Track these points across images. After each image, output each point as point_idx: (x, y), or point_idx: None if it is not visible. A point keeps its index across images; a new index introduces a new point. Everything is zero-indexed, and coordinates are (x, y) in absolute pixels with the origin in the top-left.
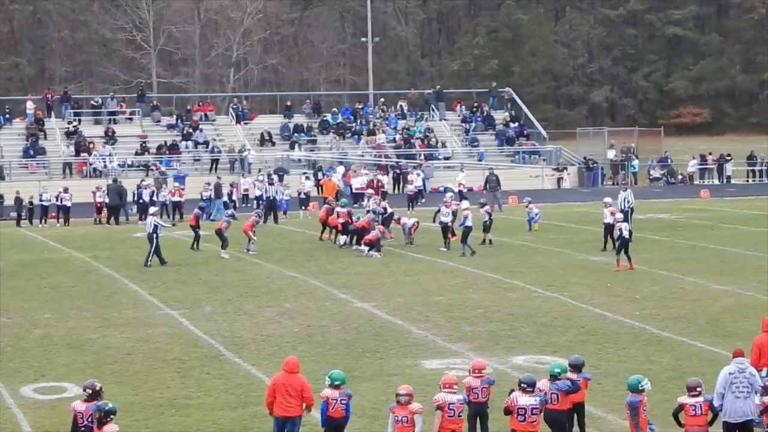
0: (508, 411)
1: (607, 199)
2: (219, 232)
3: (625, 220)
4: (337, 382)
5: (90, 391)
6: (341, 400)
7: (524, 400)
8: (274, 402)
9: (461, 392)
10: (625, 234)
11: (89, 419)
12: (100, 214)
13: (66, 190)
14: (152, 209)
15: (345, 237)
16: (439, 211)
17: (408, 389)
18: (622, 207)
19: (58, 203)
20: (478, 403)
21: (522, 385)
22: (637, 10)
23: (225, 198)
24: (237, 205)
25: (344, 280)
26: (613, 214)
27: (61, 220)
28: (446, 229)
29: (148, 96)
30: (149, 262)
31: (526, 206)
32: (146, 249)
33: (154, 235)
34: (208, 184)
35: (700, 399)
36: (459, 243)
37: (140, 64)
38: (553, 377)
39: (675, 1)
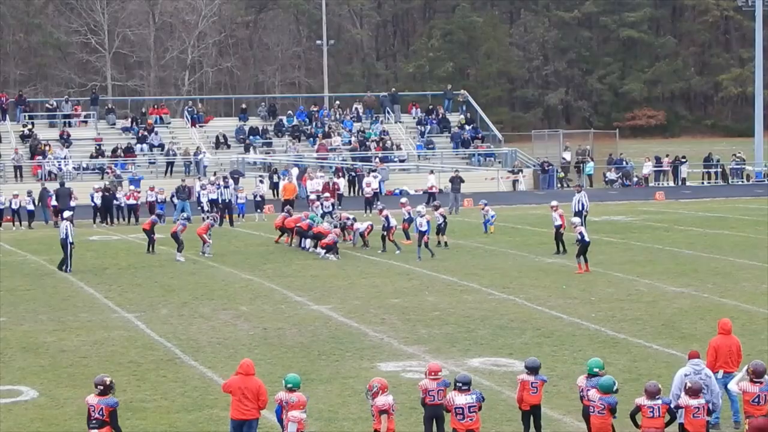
0: (447, 410)
1: (554, 203)
2: (174, 235)
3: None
4: (290, 385)
5: (101, 387)
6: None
7: (460, 399)
8: (231, 405)
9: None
10: (586, 237)
11: (99, 413)
12: (57, 217)
13: (29, 194)
14: (66, 213)
15: (310, 241)
16: (412, 220)
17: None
18: (576, 209)
19: (16, 207)
20: (434, 406)
21: (458, 384)
22: (591, 12)
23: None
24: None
25: (300, 282)
26: (562, 217)
27: (24, 224)
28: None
29: (102, 99)
30: (69, 268)
31: (482, 208)
32: (101, 252)
33: (68, 240)
34: (152, 188)
35: (658, 401)
36: (414, 246)
37: (95, 67)
38: (592, 375)
39: (630, 3)
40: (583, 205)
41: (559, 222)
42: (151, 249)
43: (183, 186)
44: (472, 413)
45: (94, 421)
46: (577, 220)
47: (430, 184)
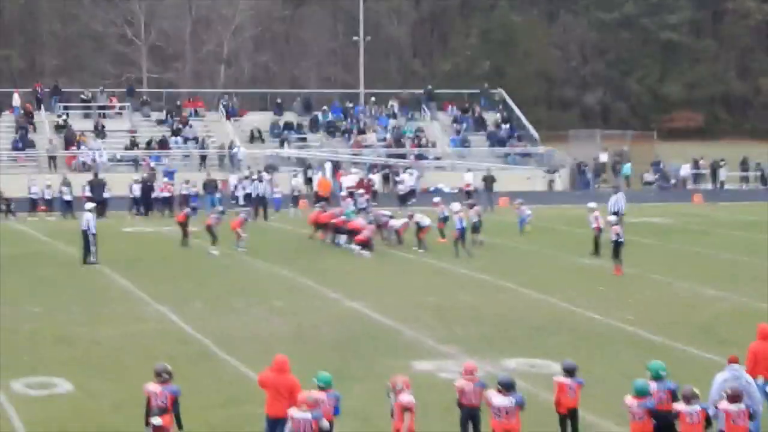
0: (487, 404)
1: (592, 204)
2: (209, 228)
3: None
4: (321, 384)
5: (166, 375)
6: (328, 402)
7: (498, 400)
8: (267, 401)
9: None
10: (621, 237)
11: (162, 400)
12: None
13: (66, 184)
14: (88, 205)
15: (344, 236)
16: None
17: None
18: (613, 210)
19: (50, 197)
20: (470, 407)
21: (499, 385)
22: (631, 14)
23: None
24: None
25: (334, 278)
26: (597, 219)
27: (56, 214)
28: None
29: (138, 91)
30: (94, 259)
31: (517, 208)
32: (135, 244)
33: (88, 231)
34: (186, 182)
35: (696, 407)
36: (449, 245)
37: (131, 59)
38: (658, 378)
39: (670, 5)
40: (620, 206)
41: (595, 224)
42: (185, 242)
43: (211, 179)
44: (510, 415)
45: (156, 409)
46: (613, 218)
47: (467, 181)
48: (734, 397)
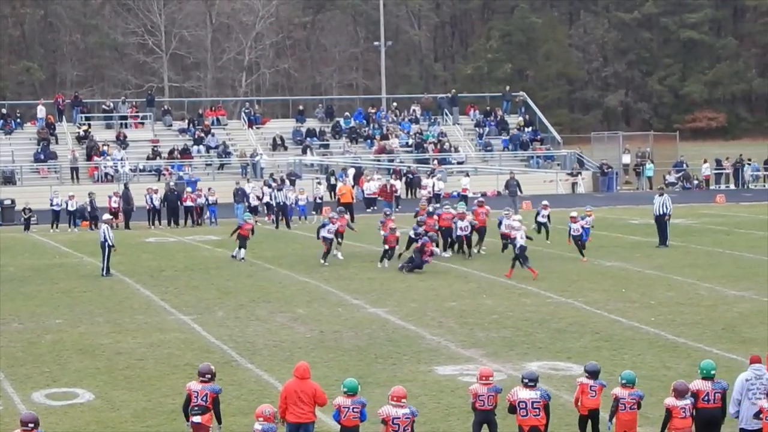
0: (512, 408)
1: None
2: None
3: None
4: (346, 390)
5: (209, 375)
6: (353, 408)
7: (524, 393)
8: (287, 409)
9: (409, 406)
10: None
11: (203, 398)
12: (117, 219)
13: (90, 195)
14: (105, 216)
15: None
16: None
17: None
18: (659, 212)
19: (72, 209)
20: (484, 411)
21: (524, 380)
22: (652, 13)
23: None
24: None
25: (357, 285)
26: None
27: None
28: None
29: (159, 100)
30: (107, 272)
31: (588, 214)
32: (158, 254)
33: (106, 243)
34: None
35: (688, 401)
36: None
37: (152, 68)
38: (709, 378)
39: (690, 4)
40: (667, 207)
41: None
42: (237, 255)
43: (238, 189)
44: (536, 409)
45: (196, 408)
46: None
47: (464, 186)
48: (680, 393)
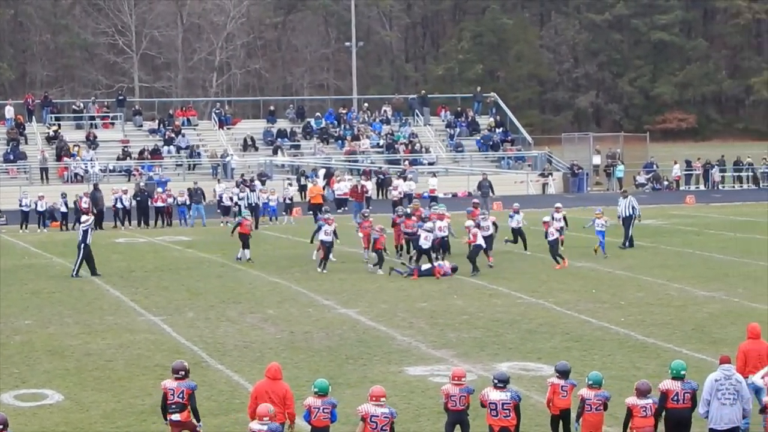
0: (483, 404)
1: (547, 218)
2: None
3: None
4: (317, 390)
5: (183, 372)
6: (324, 408)
7: (495, 395)
8: (257, 409)
9: (388, 406)
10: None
11: (180, 395)
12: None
13: (63, 196)
14: (84, 218)
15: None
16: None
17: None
18: (625, 214)
19: (42, 209)
20: (456, 411)
21: (495, 380)
22: (622, 15)
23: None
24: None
25: (328, 286)
26: (547, 226)
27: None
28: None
29: (129, 100)
30: (75, 273)
31: (600, 217)
32: (128, 255)
33: (83, 244)
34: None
35: (649, 400)
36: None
37: (122, 68)
38: (679, 378)
39: (661, 6)
40: (634, 209)
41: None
42: (243, 257)
43: (196, 188)
44: (506, 410)
45: (174, 405)
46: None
47: (432, 187)
48: (642, 394)
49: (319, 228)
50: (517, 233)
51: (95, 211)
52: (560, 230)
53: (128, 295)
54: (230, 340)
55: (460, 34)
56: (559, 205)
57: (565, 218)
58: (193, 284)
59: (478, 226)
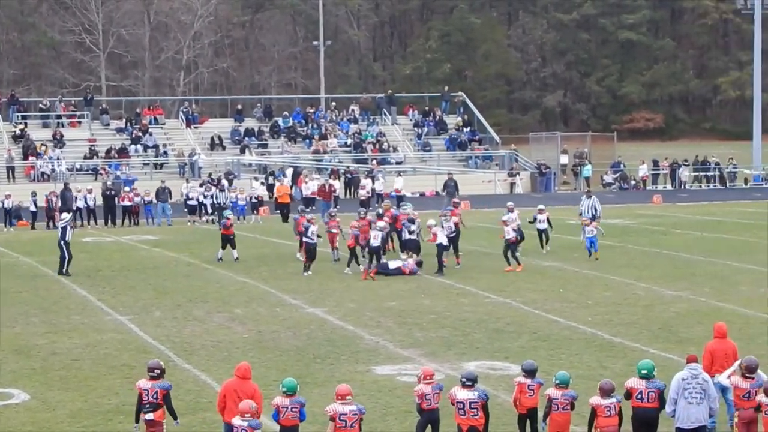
0: (452, 403)
1: (507, 217)
2: (230, 237)
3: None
4: (285, 389)
5: (158, 371)
6: (292, 408)
7: (462, 394)
8: (225, 408)
9: (355, 403)
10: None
11: (154, 396)
12: (54, 219)
13: (33, 194)
14: (64, 215)
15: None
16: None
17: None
18: (589, 214)
19: (9, 208)
20: (430, 410)
21: (462, 379)
22: (590, 14)
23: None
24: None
25: (295, 285)
26: (504, 223)
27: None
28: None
29: (96, 99)
30: (61, 270)
31: (589, 224)
32: (95, 254)
33: (62, 241)
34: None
35: (613, 400)
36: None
37: (89, 66)
38: (646, 377)
39: (628, 6)
40: (596, 209)
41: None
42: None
43: (163, 187)
44: (474, 409)
45: (147, 405)
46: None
47: (397, 186)
48: (606, 394)
49: (307, 229)
50: (542, 233)
51: (62, 211)
52: (518, 230)
53: (95, 294)
54: (197, 339)
55: (427, 34)
56: (542, 207)
57: (549, 220)
58: (160, 283)
59: (442, 226)
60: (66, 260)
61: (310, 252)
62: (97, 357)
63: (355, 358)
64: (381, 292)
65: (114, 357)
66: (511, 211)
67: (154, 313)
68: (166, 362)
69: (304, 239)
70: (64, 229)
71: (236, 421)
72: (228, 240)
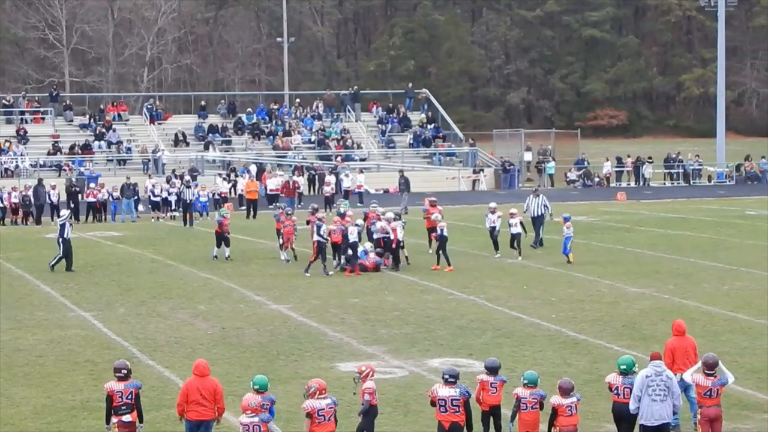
0: (432, 402)
1: (492, 204)
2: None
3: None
4: (257, 387)
5: (126, 371)
6: (263, 405)
7: (444, 391)
8: (186, 406)
9: (329, 396)
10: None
11: (128, 397)
12: (16, 215)
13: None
14: (63, 212)
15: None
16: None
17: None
18: (537, 213)
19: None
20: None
21: (444, 376)
22: (554, 11)
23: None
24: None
25: (259, 281)
26: (492, 212)
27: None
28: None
29: (60, 95)
30: (66, 267)
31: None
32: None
33: (61, 239)
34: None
35: (573, 399)
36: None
37: (53, 63)
38: (624, 373)
39: (592, 3)
40: (547, 207)
41: (494, 224)
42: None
43: (128, 184)
44: (455, 406)
45: (123, 407)
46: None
47: (359, 182)
48: (565, 393)
49: (319, 228)
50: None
51: (36, 206)
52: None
53: (59, 290)
54: (161, 335)
55: (391, 30)
56: (493, 205)
57: (522, 224)
58: (124, 280)
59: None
60: (59, 257)
61: (323, 251)
62: (61, 353)
63: (319, 354)
64: (345, 288)
65: (78, 353)
66: (493, 212)
67: (118, 310)
68: (130, 359)
69: (316, 238)
70: (62, 226)
71: (244, 419)
72: (222, 238)
